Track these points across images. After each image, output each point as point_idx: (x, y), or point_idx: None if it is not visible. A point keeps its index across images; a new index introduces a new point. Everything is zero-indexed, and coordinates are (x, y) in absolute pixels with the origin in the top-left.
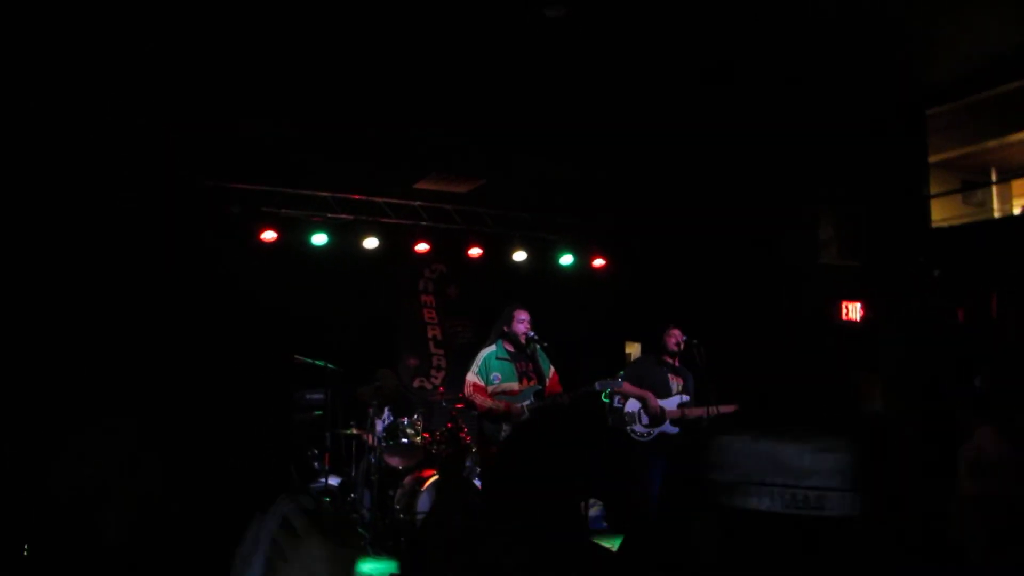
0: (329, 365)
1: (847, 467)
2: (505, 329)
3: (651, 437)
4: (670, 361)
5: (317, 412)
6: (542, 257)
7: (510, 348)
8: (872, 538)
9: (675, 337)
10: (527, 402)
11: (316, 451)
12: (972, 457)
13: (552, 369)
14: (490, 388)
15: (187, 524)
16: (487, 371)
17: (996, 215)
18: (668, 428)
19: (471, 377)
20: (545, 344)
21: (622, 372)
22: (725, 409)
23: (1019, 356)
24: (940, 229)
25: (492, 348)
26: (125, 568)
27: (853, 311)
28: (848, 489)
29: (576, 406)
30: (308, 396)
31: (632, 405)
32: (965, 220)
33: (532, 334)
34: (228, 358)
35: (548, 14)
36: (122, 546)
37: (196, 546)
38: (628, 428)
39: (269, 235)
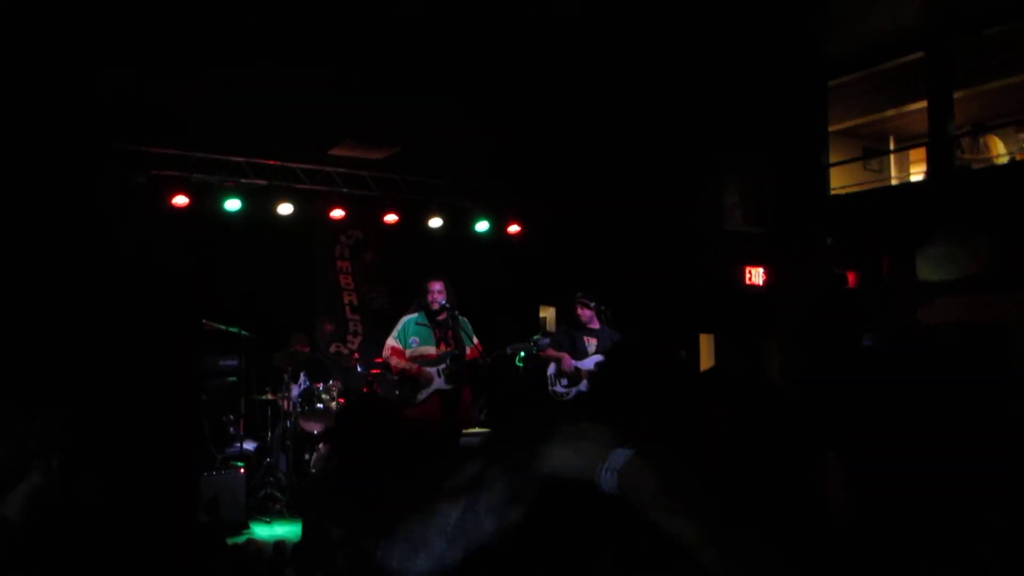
0: (242, 332)
1: None
2: (422, 300)
3: (570, 396)
4: (585, 325)
5: (231, 378)
6: (458, 223)
7: (429, 314)
8: None
9: (585, 310)
10: (442, 366)
11: (231, 416)
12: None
13: (475, 340)
14: (408, 352)
15: (97, 497)
16: (405, 335)
17: (894, 182)
18: (584, 386)
19: (390, 341)
20: (456, 312)
21: (536, 336)
22: None
23: (907, 315)
24: (838, 196)
25: (414, 315)
26: (31, 546)
27: (756, 276)
28: None
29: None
30: (222, 362)
31: (552, 368)
32: (865, 187)
33: (444, 303)
34: (137, 326)
35: None
36: (27, 525)
37: (106, 519)
38: (550, 389)
39: (180, 200)
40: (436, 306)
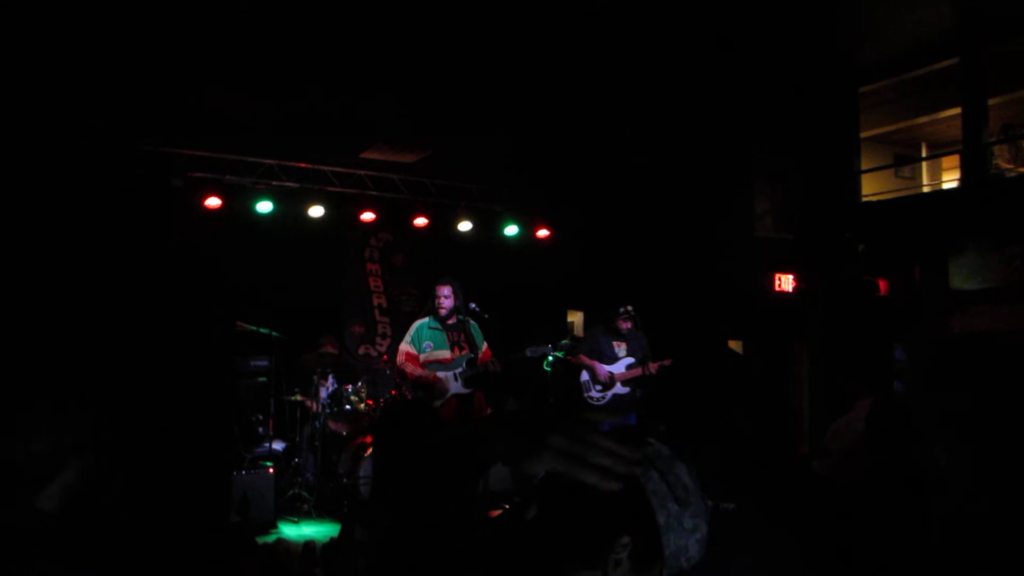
0: (273, 333)
1: None
2: (430, 305)
3: (605, 400)
4: (620, 332)
5: (261, 379)
6: (487, 227)
7: (439, 319)
8: None
9: (628, 322)
10: (459, 370)
11: (260, 417)
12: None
13: (485, 344)
14: (422, 357)
15: (131, 494)
16: (419, 340)
17: (926, 189)
18: (619, 389)
19: (404, 346)
20: (486, 316)
21: (564, 340)
22: (653, 367)
23: (938, 323)
24: (870, 203)
25: (425, 319)
26: (66, 540)
27: (786, 282)
28: None
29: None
30: (252, 363)
31: (585, 374)
32: (896, 194)
33: (472, 306)
34: (171, 325)
35: None
36: (63, 518)
37: (140, 514)
38: (585, 395)
39: (213, 202)
40: (444, 311)
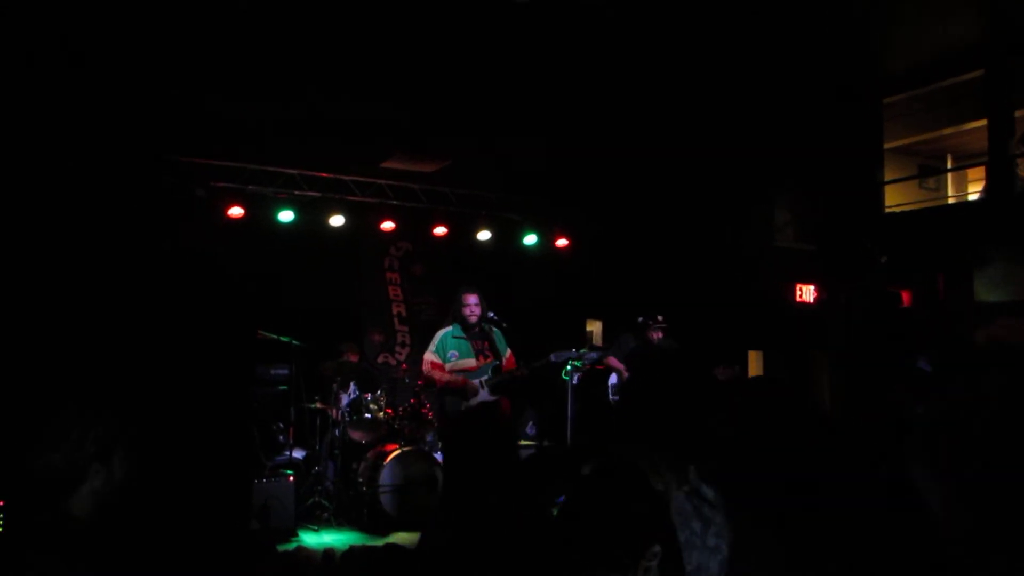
0: (294, 341)
1: None
2: (456, 313)
3: None
4: (649, 341)
5: (282, 387)
6: (506, 236)
7: (465, 327)
8: None
9: (660, 332)
10: (485, 377)
11: (281, 425)
12: None
13: (508, 350)
14: (448, 366)
15: (155, 498)
16: (444, 350)
17: (951, 200)
18: None
19: (429, 356)
20: (504, 325)
21: (583, 349)
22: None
23: (963, 335)
24: (893, 214)
25: (448, 328)
26: (95, 544)
27: (807, 293)
28: None
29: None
30: (273, 371)
31: (613, 378)
32: (921, 205)
33: (491, 314)
34: (193, 334)
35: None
36: (93, 523)
37: (164, 520)
38: (610, 397)
39: (236, 211)
40: (473, 319)
